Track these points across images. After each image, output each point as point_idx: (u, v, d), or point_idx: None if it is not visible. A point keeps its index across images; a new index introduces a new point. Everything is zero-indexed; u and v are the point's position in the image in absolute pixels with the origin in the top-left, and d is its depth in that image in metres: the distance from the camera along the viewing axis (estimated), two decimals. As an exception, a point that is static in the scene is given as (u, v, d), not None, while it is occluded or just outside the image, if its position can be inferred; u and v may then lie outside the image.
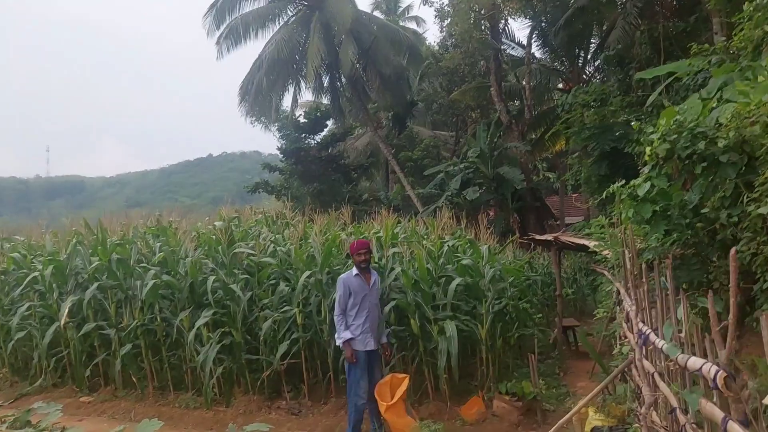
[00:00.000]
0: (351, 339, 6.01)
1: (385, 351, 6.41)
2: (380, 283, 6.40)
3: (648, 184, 5.21)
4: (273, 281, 7.71)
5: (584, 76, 23.93)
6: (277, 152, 27.31)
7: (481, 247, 7.25)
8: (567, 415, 5.62)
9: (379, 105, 28.55)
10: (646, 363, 3.83)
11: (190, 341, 6.99)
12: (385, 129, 29.03)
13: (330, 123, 28.71)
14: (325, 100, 27.96)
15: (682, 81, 9.53)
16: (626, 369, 5.57)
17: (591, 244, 8.33)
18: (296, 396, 7.53)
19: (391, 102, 27.63)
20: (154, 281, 7.43)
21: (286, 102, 26.89)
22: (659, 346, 3.02)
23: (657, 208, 5.20)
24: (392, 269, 7.07)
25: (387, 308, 6.79)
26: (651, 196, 5.23)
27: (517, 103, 28.13)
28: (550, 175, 35.58)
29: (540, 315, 8.95)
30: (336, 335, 6.12)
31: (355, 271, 6.23)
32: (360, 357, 6.07)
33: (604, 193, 6.39)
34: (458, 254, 7.53)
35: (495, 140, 22.94)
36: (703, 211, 4.99)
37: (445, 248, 7.46)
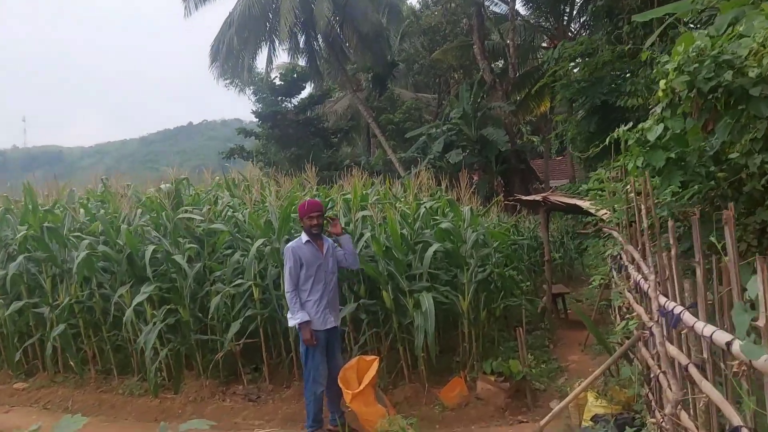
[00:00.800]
0: (306, 318, 5.08)
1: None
2: (335, 250, 5.45)
3: (660, 127, 4.23)
4: (229, 252, 6.73)
5: (570, 33, 22.84)
6: (254, 117, 26.10)
7: (463, 209, 6.30)
8: (562, 403, 4.76)
9: (358, 66, 27.24)
10: (673, 350, 2.93)
11: (128, 319, 6.00)
12: (365, 91, 27.76)
13: (307, 85, 27.44)
14: (302, 62, 26.57)
15: (678, 28, 8.54)
16: (631, 348, 4.71)
17: (584, 203, 7.41)
18: (255, 379, 6.61)
19: (371, 63, 26.33)
20: (87, 252, 6.40)
21: (261, 63, 25.54)
22: (710, 336, 2.09)
23: (671, 156, 4.25)
24: (361, 235, 6.10)
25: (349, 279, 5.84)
26: (664, 142, 4.27)
27: (501, 63, 27.00)
28: (534, 139, 34.71)
29: (528, 283, 8.09)
30: (289, 316, 5.17)
31: (304, 237, 5.25)
32: (319, 338, 5.14)
33: (600, 145, 5.41)
34: (437, 217, 6.57)
35: (478, 101, 21.87)
36: (731, 156, 4.06)
37: (422, 210, 6.50)
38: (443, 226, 6.04)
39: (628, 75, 11.91)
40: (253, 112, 25.03)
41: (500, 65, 26.31)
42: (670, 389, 3.04)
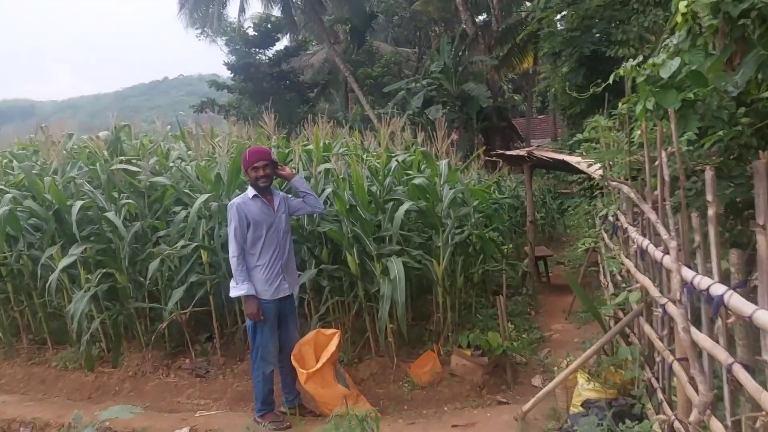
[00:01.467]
0: (252, 290, 4.33)
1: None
2: (288, 204, 4.65)
3: (676, 62, 3.45)
4: (179, 210, 5.90)
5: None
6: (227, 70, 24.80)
7: (439, 163, 5.52)
8: (549, 386, 4.10)
9: (336, 17, 25.93)
10: (705, 340, 2.23)
11: (53, 284, 5.18)
12: (342, 44, 26.48)
13: (282, 37, 26.13)
14: (276, 11, 25.24)
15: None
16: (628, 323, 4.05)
17: (573, 159, 6.68)
18: (206, 352, 5.88)
19: (349, 14, 25.06)
20: (9, 207, 5.52)
21: (233, 12, 24.18)
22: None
23: (688, 96, 3.50)
24: (323, 191, 5.30)
25: (309, 242, 5.07)
26: (679, 80, 3.52)
27: (484, 17, 25.89)
28: (516, 97, 33.84)
29: (509, 245, 7.41)
30: (232, 285, 4.39)
31: (251, 192, 4.43)
32: (269, 311, 4.39)
33: (591, 92, 4.62)
34: (410, 172, 5.78)
35: (460, 54, 20.90)
36: (761, 95, 3.32)
37: (394, 165, 5.70)
38: (417, 182, 5.25)
39: (618, 23, 11.08)
40: (226, 64, 23.76)
41: (483, 19, 25.21)
42: (694, 388, 2.36)
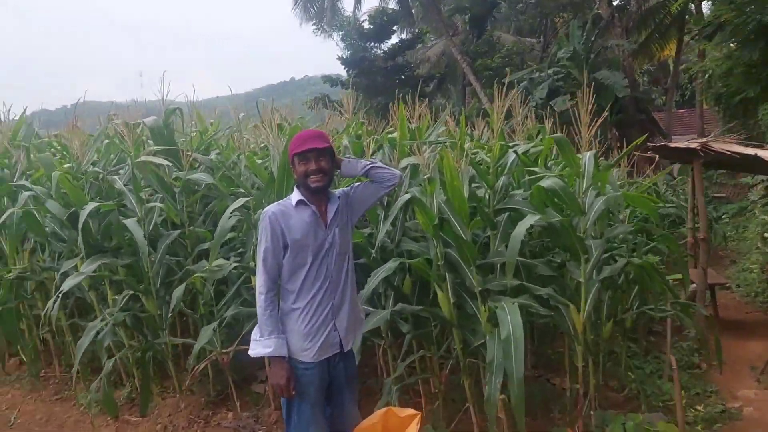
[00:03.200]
0: (282, 349, 2.71)
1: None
2: (351, 205, 2.94)
3: None
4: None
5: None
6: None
7: (581, 156, 3.59)
8: None
9: (455, 6, 24.03)
10: None
11: (54, 307, 3.87)
12: (461, 35, 24.55)
13: (398, 29, 24.69)
14: (393, 4, 23.80)
15: None
16: None
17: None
18: (256, 401, 4.40)
19: (469, 3, 23.07)
20: (23, 208, 4.35)
21: (348, 6, 23.09)
22: None
23: None
24: (398, 200, 3.54)
25: (389, 268, 3.35)
26: None
27: (620, -1, 22.85)
28: (655, 89, 30.11)
29: (675, 277, 5.24)
30: (253, 338, 2.77)
31: (296, 197, 2.79)
32: (309, 380, 2.75)
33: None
34: (535, 169, 3.88)
35: (592, 40, 18.27)
36: None
37: (511, 158, 3.85)
38: (546, 183, 3.36)
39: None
40: (339, 58, 22.70)
41: (620, 1, 22.19)
42: None
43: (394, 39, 24.05)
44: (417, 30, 25.02)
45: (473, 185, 3.89)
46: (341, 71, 24.02)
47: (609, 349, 4.48)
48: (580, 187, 3.52)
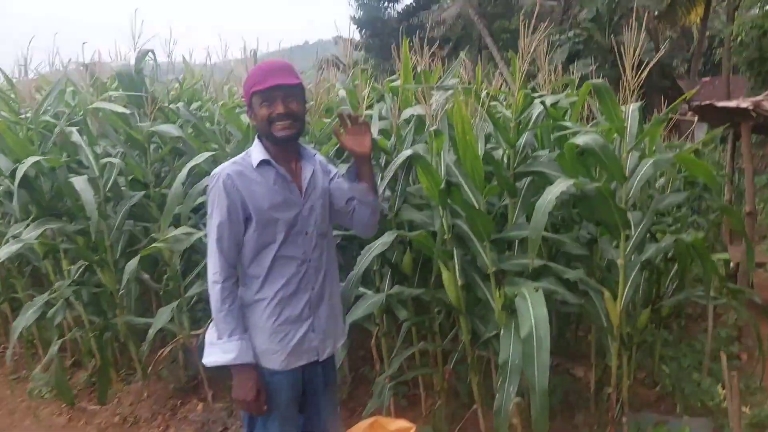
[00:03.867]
0: (248, 354, 2.05)
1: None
2: (328, 186, 2.23)
3: None
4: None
5: None
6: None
7: (624, 109, 2.85)
8: None
9: (473, -35, 22.80)
10: None
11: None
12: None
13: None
14: (408, -40, 22.68)
15: None
16: None
17: None
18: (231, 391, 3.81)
19: (487, -39, 21.91)
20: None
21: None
22: None
23: None
24: (398, 157, 2.82)
25: (384, 243, 2.66)
26: None
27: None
28: (677, 56, 28.80)
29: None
30: (208, 341, 2.09)
31: (258, 153, 2.06)
32: (279, 390, 2.10)
33: None
34: (567, 124, 3.14)
35: (616, 1, 17.18)
36: None
37: (537, 111, 3.13)
38: (581, 140, 2.62)
39: None
40: (352, 18, 21.72)
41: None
42: None
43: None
44: (433, -11, 23.92)
45: (489, 145, 3.20)
46: (354, 33, 23.03)
47: (642, 339, 3.81)
48: (623, 146, 2.80)
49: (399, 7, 22.71)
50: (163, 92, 4.34)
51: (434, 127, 2.65)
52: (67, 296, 3.46)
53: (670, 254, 3.65)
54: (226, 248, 2.02)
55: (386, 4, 22.52)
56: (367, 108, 3.47)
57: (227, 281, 2.02)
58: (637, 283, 2.89)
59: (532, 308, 2.31)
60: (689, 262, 3.48)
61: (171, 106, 4.02)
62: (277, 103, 2.00)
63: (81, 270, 3.61)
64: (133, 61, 4.06)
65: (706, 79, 27.97)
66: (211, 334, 2.07)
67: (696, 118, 5.56)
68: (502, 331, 2.45)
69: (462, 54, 4.05)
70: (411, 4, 22.65)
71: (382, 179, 2.91)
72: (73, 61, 4.37)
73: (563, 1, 24.85)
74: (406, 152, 2.58)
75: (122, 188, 3.72)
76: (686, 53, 27.96)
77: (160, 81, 4.61)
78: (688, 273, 3.79)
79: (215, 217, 2.01)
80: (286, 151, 2.11)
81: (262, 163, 2.05)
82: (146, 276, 3.72)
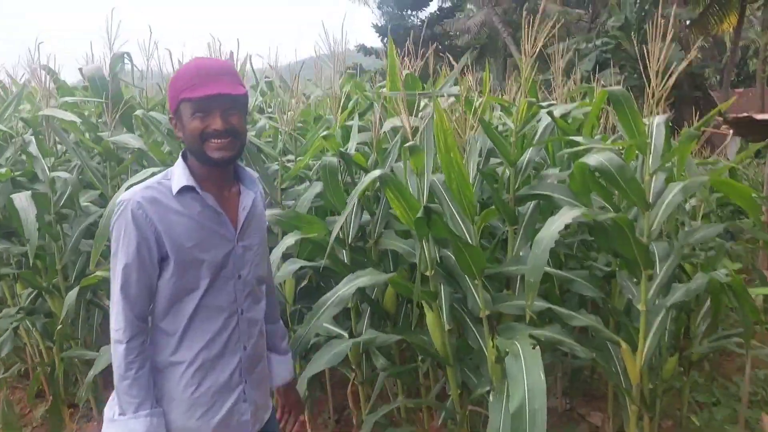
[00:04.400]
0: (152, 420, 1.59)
1: (287, 408, 1.97)
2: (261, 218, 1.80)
3: None
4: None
5: None
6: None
7: (647, 122, 2.35)
8: None
9: (497, -27, 22.34)
10: None
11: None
12: (503, 4, 22.86)
13: (437, -3, 23.18)
14: (432, -31, 22.30)
15: None
16: None
17: None
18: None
19: (512, -32, 21.39)
20: None
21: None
22: None
23: None
24: (371, 174, 2.34)
25: (338, 297, 2.20)
26: None
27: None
28: (708, 66, 27.84)
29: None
30: (106, 417, 1.61)
31: (181, 175, 1.59)
32: None
33: None
34: (578, 140, 2.64)
35: (645, 8, 16.51)
36: None
37: (544, 124, 2.64)
38: (593, 160, 2.12)
39: None
40: (374, 26, 21.41)
41: (678, -33, 20.14)
42: None
43: (432, 7, 22.60)
44: (456, -2, 23.50)
45: (496, 160, 2.72)
46: (376, 41, 22.73)
47: (668, 386, 3.27)
48: (645, 168, 2.29)
49: (423, 15, 22.31)
50: (143, 98, 3.96)
51: (412, 141, 2.17)
52: (15, 325, 3.06)
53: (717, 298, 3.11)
54: (133, 297, 1.56)
55: (410, 12, 22.14)
56: (348, 117, 3.03)
57: (134, 340, 1.56)
58: (662, 331, 2.37)
59: (526, 372, 1.82)
60: (724, 301, 2.94)
61: (152, 113, 3.63)
62: (215, 116, 1.54)
63: (32, 296, 3.22)
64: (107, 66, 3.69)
65: (740, 90, 26.97)
66: (111, 408, 1.62)
67: (731, 132, 4.99)
68: (491, 397, 1.96)
69: (465, 57, 3.57)
70: (435, 12, 22.24)
71: (344, 210, 2.45)
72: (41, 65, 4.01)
73: (591, 8, 24.21)
74: (375, 172, 2.10)
75: (86, 204, 3.33)
76: (718, 63, 27.05)
77: (138, 86, 4.22)
78: (721, 313, 3.24)
79: (121, 257, 1.55)
80: (219, 175, 1.66)
81: (185, 189, 1.59)
82: (106, 303, 3.31)
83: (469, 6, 24.71)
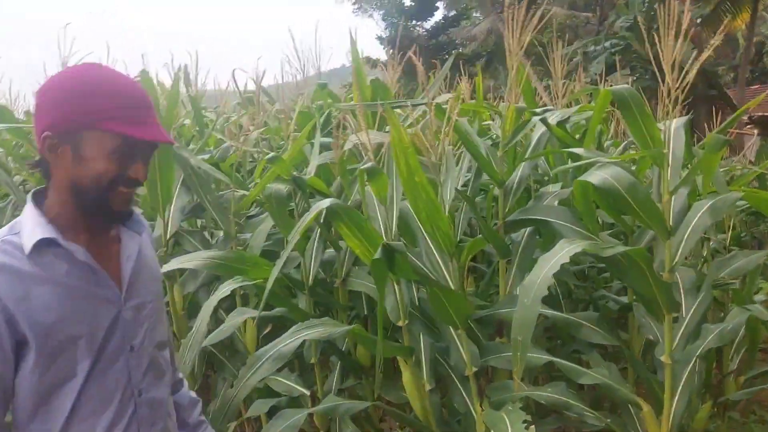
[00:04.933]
0: None
1: None
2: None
3: None
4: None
5: None
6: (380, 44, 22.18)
7: (663, 128, 1.92)
8: None
9: (502, -21, 22.00)
10: None
11: None
12: (509, 10, 22.48)
13: (441, 6, 22.85)
14: (435, -22, 22.02)
15: None
16: None
17: None
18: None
19: (517, -26, 21.01)
20: None
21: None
22: None
23: None
24: (318, 205, 1.91)
25: (292, 343, 1.78)
26: None
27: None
28: (722, 63, 27.15)
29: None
30: None
31: (38, 227, 1.14)
32: None
33: None
34: (577, 151, 2.20)
35: (655, 7, 16.01)
36: None
37: (538, 133, 2.21)
38: (597, 177, 1.69)
39: None
40: (378, 38, 21.14)
41: (686, -36, 19.64)
42: None
43: (437, 16, 22.28)
44: (463, 5, 23.11)
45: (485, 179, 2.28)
46: (381, 53, 22.47)
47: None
48: (663, 184, 1.84)
49: (427, 25, 22.00)
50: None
51: (371, 163, 1.74)
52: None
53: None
54: None
55: (414, 22, 21.83)
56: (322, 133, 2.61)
57: None
58: (691, 385, 1.91)
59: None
60: (762, 334, 2.47)
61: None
62: (138, 163, 1.14)
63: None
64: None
65: (755, 86, 26.22)
66: None
67: (756, 132, 4.50)
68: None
69: (447, 64, 3.16)
70: (439, 21, 21.91)
71: (320, 237, 2.04)
72: None
73: (599, 11, 23.72)
74: (323, 203, 1.68)
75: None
76: (732, 60, 26.39)
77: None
78: (758, 346, 2.75)
79: None
80: (105, 232, 1.24)
81: (43, 243, 1.16)
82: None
83: (474, 14, 24.36)
